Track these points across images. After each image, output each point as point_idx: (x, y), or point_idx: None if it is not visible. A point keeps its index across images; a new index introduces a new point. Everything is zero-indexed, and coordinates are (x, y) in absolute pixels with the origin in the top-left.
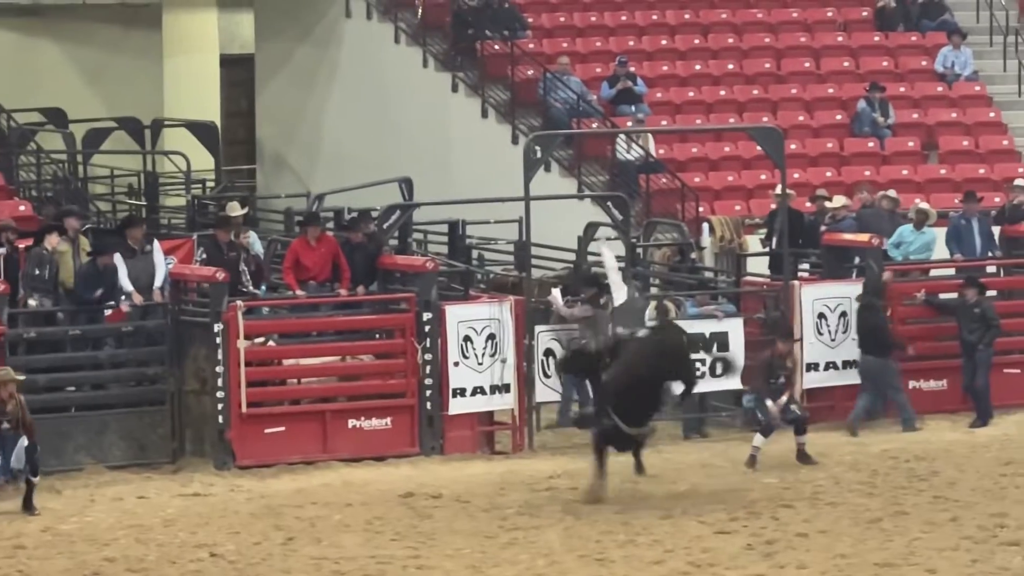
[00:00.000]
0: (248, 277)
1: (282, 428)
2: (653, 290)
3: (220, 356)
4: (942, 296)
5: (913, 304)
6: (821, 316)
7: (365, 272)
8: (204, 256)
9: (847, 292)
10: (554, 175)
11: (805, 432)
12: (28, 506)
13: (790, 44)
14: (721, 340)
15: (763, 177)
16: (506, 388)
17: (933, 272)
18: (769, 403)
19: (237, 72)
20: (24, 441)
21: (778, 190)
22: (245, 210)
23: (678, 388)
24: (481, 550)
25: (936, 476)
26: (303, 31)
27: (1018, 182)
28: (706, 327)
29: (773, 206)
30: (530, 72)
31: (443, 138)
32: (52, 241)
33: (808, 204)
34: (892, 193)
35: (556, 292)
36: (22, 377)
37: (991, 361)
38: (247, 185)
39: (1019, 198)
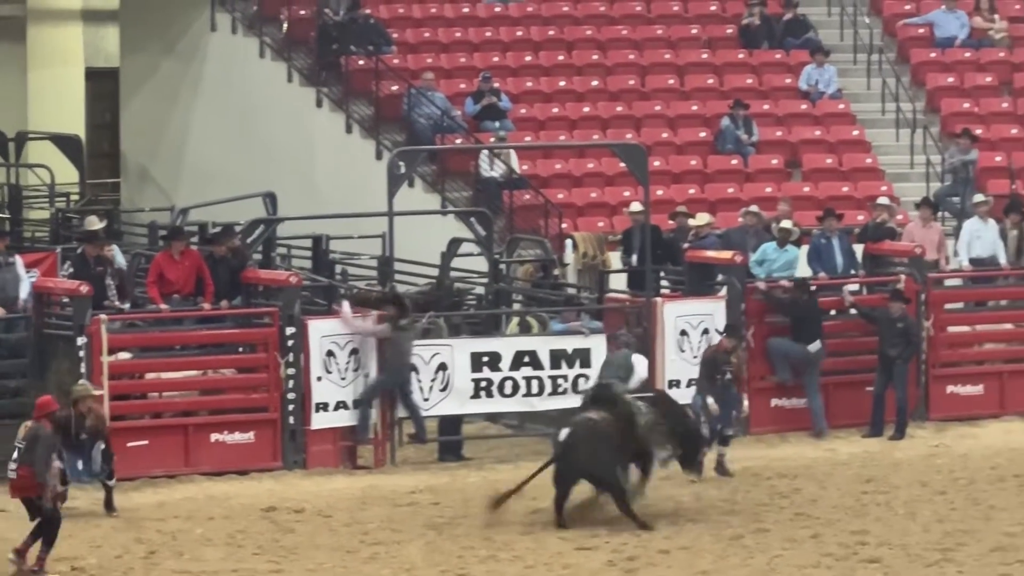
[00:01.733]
0: (114, 291)
1: (145, 442)
2: (516, 306)
3: (83, 369)
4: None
5: (774, 322)
6: (683, 333)
7: (229, 286)
8: (71, 270)
9: (709, 309)
10: (418, 190)
11: (727, 444)
12: (109, 506)
13: (654, 61)
14: (584, 357)
15: (626, 194)
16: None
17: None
18: (710, 401)
19: (102, 85)
20: (101, 446)
21: (634, 207)
22: (103, 223)
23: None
24: (343, 565)
25: (798, 493)
26: (168, 45)
27: (881, 200)
28: (570, 343)
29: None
30: (394, 87)
31: (307, 153)
32: None
33: (669, 221)
34: (754, 208)
35: (346, 305)
36: (101, 392)
37: (907, 375)
38: (111, 198)
39: (882, 216)
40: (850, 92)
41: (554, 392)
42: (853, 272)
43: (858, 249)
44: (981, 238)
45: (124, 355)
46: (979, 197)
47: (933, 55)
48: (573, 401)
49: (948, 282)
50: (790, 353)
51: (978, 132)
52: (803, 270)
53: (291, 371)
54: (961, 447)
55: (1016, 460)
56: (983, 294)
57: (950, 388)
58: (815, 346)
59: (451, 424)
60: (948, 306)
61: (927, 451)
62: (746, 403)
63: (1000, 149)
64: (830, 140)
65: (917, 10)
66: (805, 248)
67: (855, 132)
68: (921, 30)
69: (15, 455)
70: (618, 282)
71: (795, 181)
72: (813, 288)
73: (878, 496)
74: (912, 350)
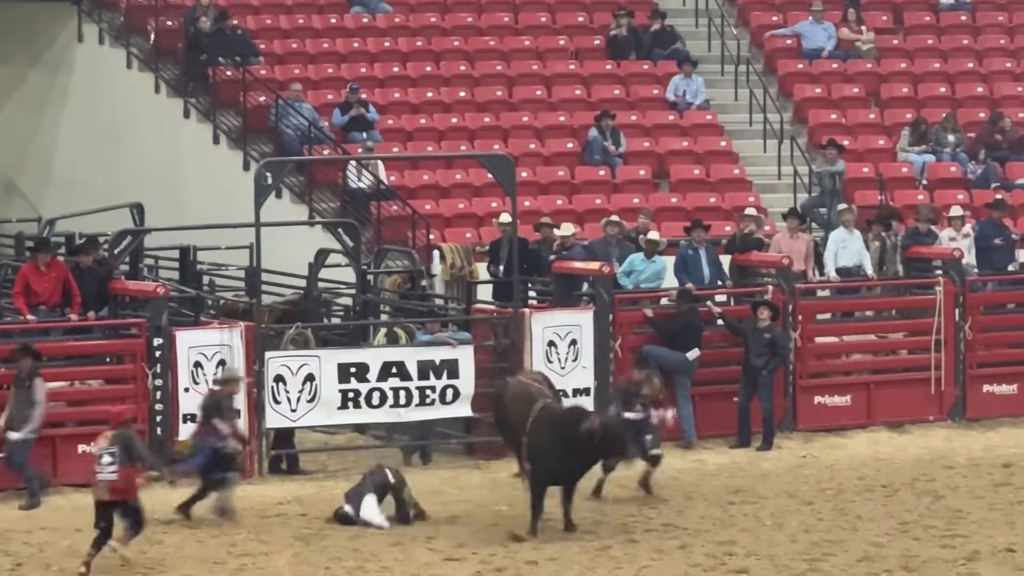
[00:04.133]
0: None
1: None
2: (384, 317)
3: None
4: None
5: (642, 332)
6: (551, 344)
7: (95, 297)
8: None
9: (577, 320)
10: (285, 201)
11: (657, 465)
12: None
13: (522, 72)
14: (452, 368)
15: (494, 205)
16: (236, 413)
17: (663, 301)
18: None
19: None
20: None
21: (502, 218)
22: None
23: None
24: None
25: (665, 504)
26: (34, 55)
27: (748, 211)
28: (437, 355)
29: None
30: (262, 99)
31: (175, 164)
32: None
33: (535, 232)
34: (615, 218)
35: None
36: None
37: (773, 385)
38: None
39: (750, 227)
40: (717, 103)
41: (422, 403)
42: (720, 283)
43: (725, 260)
44: (847, 248)
45: None
46: (842, 206)
47: (800, 66)
48: (440, 412)
49: (816, 293)
50: (666, 362)
51: (845, 143)
52: (670, 281)
53: (158, 382)
54: (828, 457)
55: (883, 470)
56: (850, 305)
57: (817, 399)
58: (694, 353)
59: (283, 437)
60: (816, 317)
61: (795, 462)
62: (670, 413)
63: (867, 160)
64: (697, 151)
65: (784, 21)
66: (672, 259)
67: (722, 143)
68: (789, 41)
69: (107, 460)
70: (485, 293)
71: (662, 192)
72: (695, 297)
73: (745, 507)
74: (778, 361)
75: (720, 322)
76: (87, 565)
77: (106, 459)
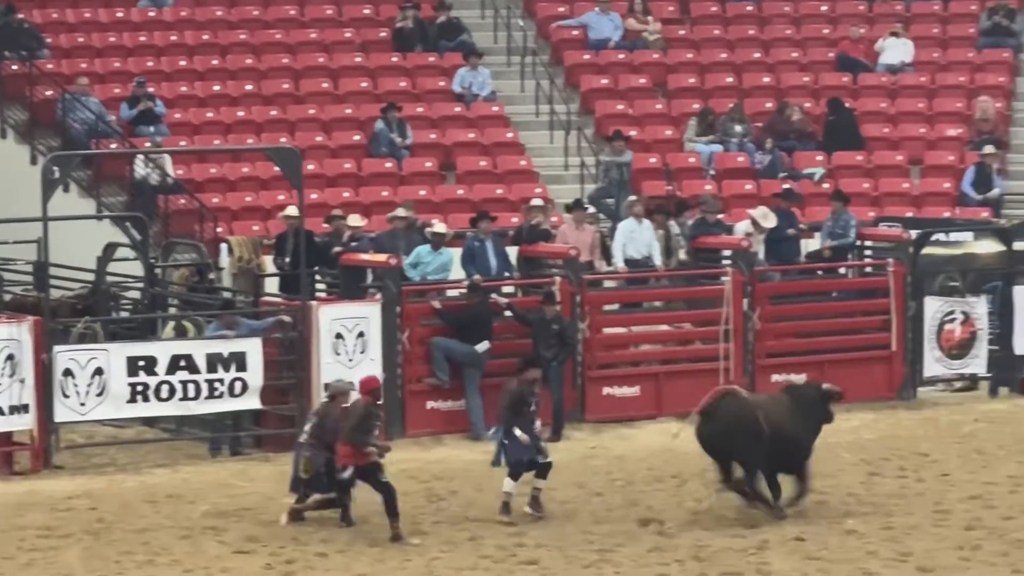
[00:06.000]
0: None
1: None
2: (172, 311)
3: None
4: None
5: (430, 324)
6: (339, 336)
7: None
8: None
9: (364, 312)
10: (73, 195)
11: (546, 477)
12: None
13: (309, 65)
14: (240, 360)
15: (281, 197)
16: (25, 408)
17: (450, 292)
18: (519, 433)
19: None
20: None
21: (288, 211)
22: None
23: None
24: None
25: (455, 496)
26: None
27: (535, 202)
28: (226, 347)
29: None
30: (49, 92)
31: None
32: None
33: (324, 224)
34: (400, 212)
35: None
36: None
37: (562, 377)
38: None
39: (537, 218)
40: (504, 94)
41: (211, 396)
42: (507, 274)
43: (513, 252)
44: (635, 239)
45: None
46: (632, 197)
47: (587, 57)
48: (229, 404)
49: (604, 283)
50: (454, 354)
51: (632, 133)
52: (457, 273)
53: None
54: (618, 448)
55: (672, 461)
56: (638, 295)
57: (606, 390)
58: (483, 346)
59: None
60: (604, 307)
61: (584, 452)
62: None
63: (654, 151)
64: (484, 142)
65: (571, 12)
66: (459, 251)
67: (509, 134)
68: (575, 32)
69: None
70: (273, 286)
71: (449, 184)
72: (484, 288)
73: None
74: (567, 352)
75: (508, 313)
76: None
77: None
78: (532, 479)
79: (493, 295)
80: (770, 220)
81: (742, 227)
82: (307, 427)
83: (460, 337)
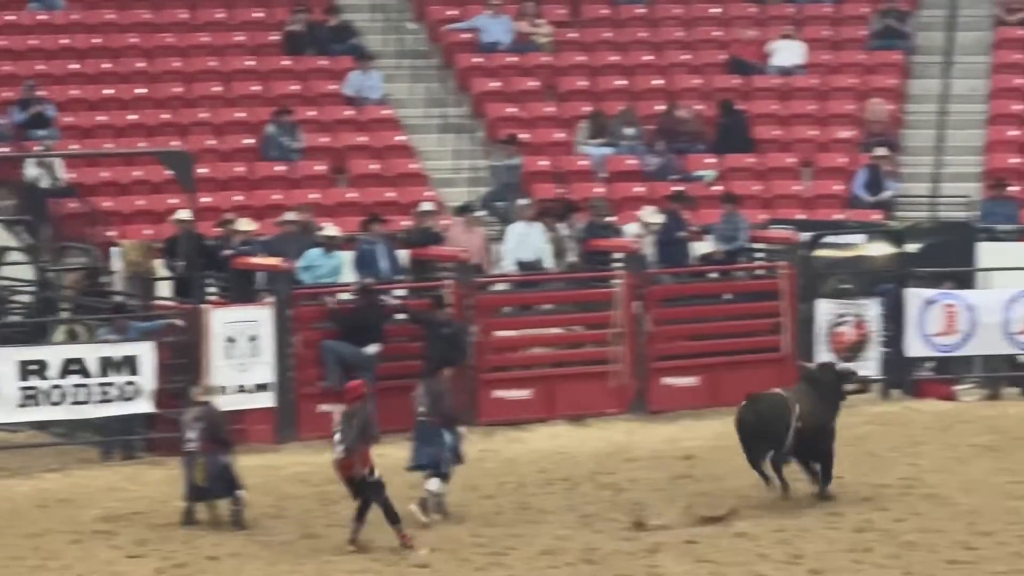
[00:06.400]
0: None
1: None
2: (64, 315)
3: None
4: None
5: (322, 327)
6: (231, 340)
7: None
8: None
9: (256, 316)
10: None
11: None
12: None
13: (200, 68)
14: (132, 364)
15: (173, 201)
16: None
17: (341, 296)
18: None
19: None
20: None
21: (180, 215)
22: None
23: None
24: None
25: (347, 499)
26: None
27: (424, 205)
28: (117, 351)
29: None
30: None
31: None
32: None
33: (216, 228)
34: (293, 215)
35: None
36: None
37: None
38: None
39: (427, 222)
40: (395, 98)
41: (103, 400)
42: (399, 278)
43: (405, 255)
44: (526, 242)
45: None
46: (523, 201)
47: (478, 60)
48: (122, 408)
49: (495, 287)
50: (345, 357)
51: (524, 136)
52: (349, 276)
53: None
54: (509, 451)
55: (563, 464)
56: (529, 298)
57: (498, 393)
58: (373, 348)
59: None
60: (497, 310)
61: (475, 455)
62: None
63: (545, 153)
64: (376, 146)
65: (462, 15)
66: (351, 254)
67: (400, 138)
68: (466, 35)
69: (338, 438)
70: (166, 290)
71: (341, 187)
72: (375, 291)
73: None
74: (459, 356)
75: (401, 316)
76: (353, 540)
77: (337, 437)
78: (425, 481)
79: (386, 298)
80: (655, 216)
81: (631, 229)
82: (193, 433)
83: (350, 340)
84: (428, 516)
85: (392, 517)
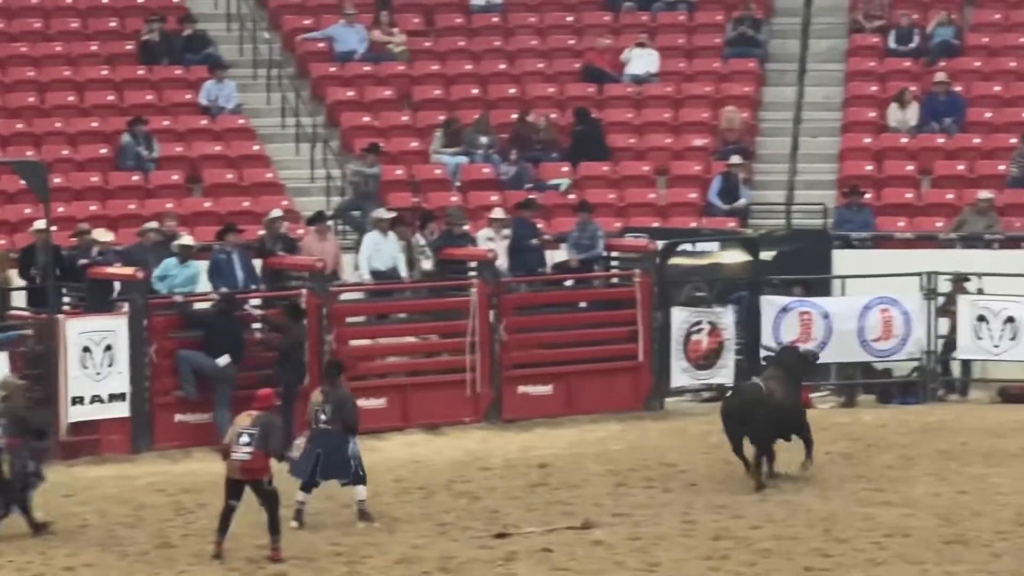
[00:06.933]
0: None
1: None
2: None
3: None
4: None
5: (178, 336)
6: (86, 350)
7: None
8: None
9: (112, 326)
10: None
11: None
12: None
13: (54, 78)
14: None
15: (28, 211)
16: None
17: (198, 305)
18: (299, 442)
19: None
20: None
21: (39, 224)
22: None
23: None
24: None
25: (203, 508)
26: None
27: (274, 213)
28: None
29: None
30: None
31: None
32: None
33: (72, 238)
34: (154, 224)
35: None
36: None
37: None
38: None
39: (278, 228)
40: (250, 107)
41: None
42: (254, 287)
43: (259, 264)
44: (381, 251)
45: None
46: (381, 212)
47: (333, 69)
48: None
49: (349, 296)
50: (200, 367)
51: (379, 145)
52: (204, 285)
53: None
54: (365, 460)
55: (419, 472)
56: (384, 307)
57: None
58: (223, 360)
59: None
60: (349, 319)
61: None
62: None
63: (401, 162)
64: (230, 155)
65: (316, 25)
66: (206, 263)
67: (255, 147)
68: (321, 44)
69: (245, 440)
70: (21, 300)
71: (196, 196)
72: (236, 301)
73: (283, 511)
74: (295, 375)
75: (259, 326)
76: (219, 547)
77: (244, 439)
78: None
79: (245, 307)
80: (503, 214)
81: (483, 235)
82: None
83: (206, 350)
84: (374, 520)
85: (275, 528)
